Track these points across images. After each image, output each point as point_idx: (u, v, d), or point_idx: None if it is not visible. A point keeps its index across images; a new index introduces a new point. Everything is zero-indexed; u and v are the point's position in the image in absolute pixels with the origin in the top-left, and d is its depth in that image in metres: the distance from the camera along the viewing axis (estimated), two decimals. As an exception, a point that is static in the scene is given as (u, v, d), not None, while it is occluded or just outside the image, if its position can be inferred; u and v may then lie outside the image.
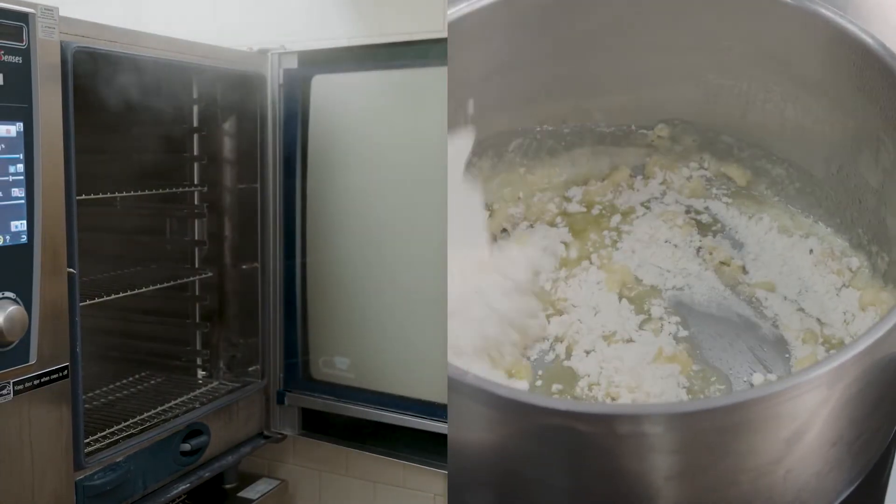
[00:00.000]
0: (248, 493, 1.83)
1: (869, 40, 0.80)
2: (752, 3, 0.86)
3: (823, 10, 0.82)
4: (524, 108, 0.98)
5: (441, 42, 1.33)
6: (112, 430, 1.54)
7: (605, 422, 0.71)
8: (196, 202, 1.95)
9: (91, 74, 1.42)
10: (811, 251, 1.18)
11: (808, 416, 0.73)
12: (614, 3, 0.88)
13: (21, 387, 1.23)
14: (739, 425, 0.70)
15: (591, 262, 1.34)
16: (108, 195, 1.66)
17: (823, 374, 0.72)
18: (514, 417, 0.75)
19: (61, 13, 1.27)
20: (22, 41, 1.18)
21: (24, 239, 1.20)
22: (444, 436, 1.23)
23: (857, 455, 0.83)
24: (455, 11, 0.89)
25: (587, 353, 1.19)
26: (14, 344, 1.19)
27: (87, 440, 1.42)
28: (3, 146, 1.17)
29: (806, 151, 0.93)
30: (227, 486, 1.83)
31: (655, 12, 0.89)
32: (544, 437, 0.75)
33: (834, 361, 0.73)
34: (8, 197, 1.18)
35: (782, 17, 0.84)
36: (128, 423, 1.58)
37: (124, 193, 1.70)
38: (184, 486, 1.63)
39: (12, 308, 1.17)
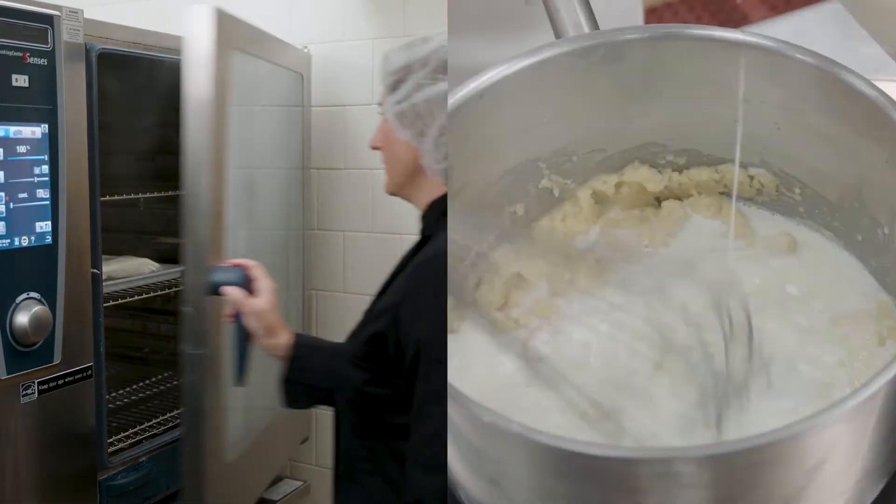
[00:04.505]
0: (271, 493, 1.83)
1: (875, 93, 0.89)
2: (769, 60, 0.94)
3: (835, 68, 0.91)
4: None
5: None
6: (135, 430, 1.55)
7: (642, 464, 0.74)
8: (219, 203, 1.95)
9: (115, 76, 1.42)
10: None
11: (830, 445, 0.76)
12: (641, 62, 0.98)
13: (45, 386, 1.24)
14: (770, 460, 0.74)
15: None
16: (132, 196, 1.67)
17: (848, 410, 0.74)
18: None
19: (86, 15, 1.28)
20: (47, 43, 1.19)
21: (48, 240, 1.21)
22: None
23: (880, 471, 0.85)
24: (496, 73, 0.97)
25: None
26: (38, 344, 1.20)
27: (110, 440, 1.43)
28: (28, 147, 1.17)
29: (824, 192, 1.02)
30: (250, 487, 1.84)
31: (677, 70, 0.99)
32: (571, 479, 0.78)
33: (858, 396, 0.74)
34: (33, 198, 1.19)
35: (795, 72, 0.93)
36: (151, 423, 1.59)
37: (148, 195, 1.71)
38: (206, 487, 1.64)
39: (37, 308, 1.18)
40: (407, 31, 1.83)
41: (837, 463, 0.78)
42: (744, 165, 1.04)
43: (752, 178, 1.05)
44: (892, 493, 0.88)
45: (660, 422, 0.91)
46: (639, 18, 1.38)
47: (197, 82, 1.24)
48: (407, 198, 1.08)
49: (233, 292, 1.17)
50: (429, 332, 0.92)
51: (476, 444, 0.81)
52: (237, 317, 1.17)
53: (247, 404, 1.52)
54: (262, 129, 1.75)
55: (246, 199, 1.71)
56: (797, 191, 1.03)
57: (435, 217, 1.03)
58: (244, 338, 1.21)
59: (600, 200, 1.08)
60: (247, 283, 1.17)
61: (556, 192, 1.06)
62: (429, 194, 1.04)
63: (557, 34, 1.04)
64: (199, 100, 1.24)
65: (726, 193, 1.08)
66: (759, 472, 0.74)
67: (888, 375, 0.74)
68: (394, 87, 1.01)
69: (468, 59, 1.04)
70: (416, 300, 0.95)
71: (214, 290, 1.18)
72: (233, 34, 1.40)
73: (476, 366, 0.97)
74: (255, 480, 1.58)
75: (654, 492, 0.74)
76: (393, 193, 1.08)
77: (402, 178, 1.05)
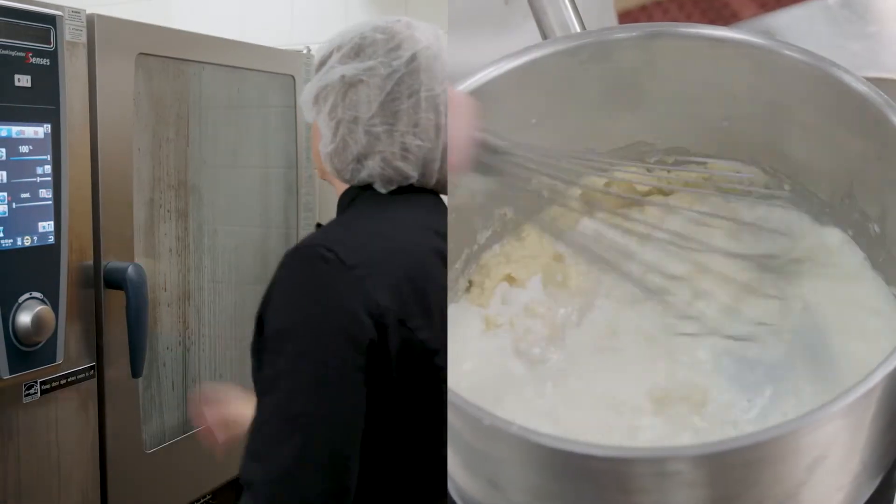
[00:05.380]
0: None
1: (865, 89, 0.89)
2: (759, 58, 0.95)
3: (825, 64, 0.91)
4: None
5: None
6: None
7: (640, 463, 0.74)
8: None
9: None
10: None
11: (828, 441, 0.76)
12: (629, 61, 0.98)
13: (48, 386, 1.24)
14: (767, 457, 0.74)
15: None
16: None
17: (846, 405, 0.74)
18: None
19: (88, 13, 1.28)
20: (49, 43, 1.19)
21: (51, 240, 1.21)
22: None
23: (876, 466, 0.85)
24: (483, 75, 0.97)
25: None
26: (41, 344, 1.20)
27: (112, 440, 1.43)
28: (30, 147, 1.18)
29: (813, 188, 1.02)
30: (252, 487, 1.83)
31: (666, 69, 0.99)
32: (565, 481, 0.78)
33: (856, 392, 0.74)
34: (36, 198, 1.19)
35: (785, 70, 0.94)
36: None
37: (152, 195, 1.71)
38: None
39: (40, 308, 1.18)
40: (409, 31, 1.83)
41: (835, 459, 0.78)
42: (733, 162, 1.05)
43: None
44: (887, 487, 0.88)
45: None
46: (613, 19, 1.39)
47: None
48: (332, 183, 1.03)
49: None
50: (272, 322, 0.85)
51: (474, 446, 0.81)
52: (130, 310, 1.29)
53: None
54: (242, 131, 1.76)
55: (225, 199, 1.73)
56: (787, 187, 1.03)
57: (341, 209, 1.00)
58: (138, 330, 1.31)
59: (589, 201, 1.08)
60: None
61: (546, 193, 1.06)
62: (342, 183, 1.00)
63: (544, 34, 1.04)
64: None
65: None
66: (757, 470, 0.74)
67: (886, 370, 0.74)
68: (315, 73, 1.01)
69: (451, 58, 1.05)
70: (273, 287, 0.88)
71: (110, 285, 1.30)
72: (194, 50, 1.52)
73: (468, 367, 0.97)
74: (190, 474, 1.58)
75: (651, 491, 0.75)
76: (322, 178, 1.05)
77: (319, 162, 1.02)
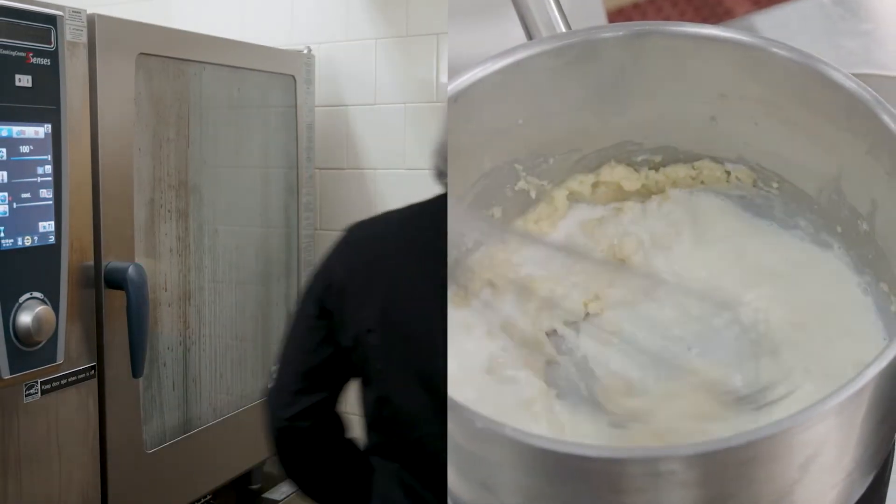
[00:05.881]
0: (274, 493, 1.84)
1: (854, 86, 0.90)
2: (747, 56, 0.96)
3: (813, 62, 0.92)
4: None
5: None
6: (138, 430, 1.55)
7: (638, 464, 0.74)
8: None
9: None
10: None
11: (821, 440, 0.77)
12: (615, 60, 1.00)
13: (48, 386, 1.24)
14: (760, 456, 0.74)
15: None
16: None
17: (838, 404, 0.75)
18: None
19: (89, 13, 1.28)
20: (50, 43, 1.19)
21: (51, 239, 1.21)
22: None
23: (869, 463, 0.86)
24: (469, 77, 0.98)
25: None
26: (42, 344, 1.20)
27: (113, 440, 1.43)
28: (31, 147, 1.18)
29: (802, 185, 1.03)
30: (253, 487, 1.84)
31: (654, 68, 1.00)
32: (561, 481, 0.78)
33: (848, 390, 0.75)
34: (36, 198, 1.19)
35: (774, 68, 0.94)
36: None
37: (151, 195, 1.71)
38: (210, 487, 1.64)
39: (40, 308, 1.18)
40: (409, 32, 1.83)
41: (829, 457, 0.78)
42: (721, 161, 1.06)
43: (728, 173, 1.06)
44: (880, 485, 0.89)
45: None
46: (599, 17, 1.39)
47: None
48: None
49: None
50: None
51: (467, 449, 0.81)
52: (130, 310, 1.31)
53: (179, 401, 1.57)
54: (242, 131, 1.76)
55: (226, 199, 1.72)
56: (775, 185, 1.03)
57: None
58: (139, 330, 1.32)
59: (577, 201, 1.08)
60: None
61: (533, 194, 1.06)
62: None
63: (529, 34, 1.04)
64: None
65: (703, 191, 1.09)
66: (751, 469, 0.74)
67: (878, 368, 0.75)
68: None
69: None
70: None
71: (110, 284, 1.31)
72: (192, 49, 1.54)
73: (459, 370, 0.97)
74: (190, 474, 1.59)
75: (645, 491, 0.75)
76: None
77: None
